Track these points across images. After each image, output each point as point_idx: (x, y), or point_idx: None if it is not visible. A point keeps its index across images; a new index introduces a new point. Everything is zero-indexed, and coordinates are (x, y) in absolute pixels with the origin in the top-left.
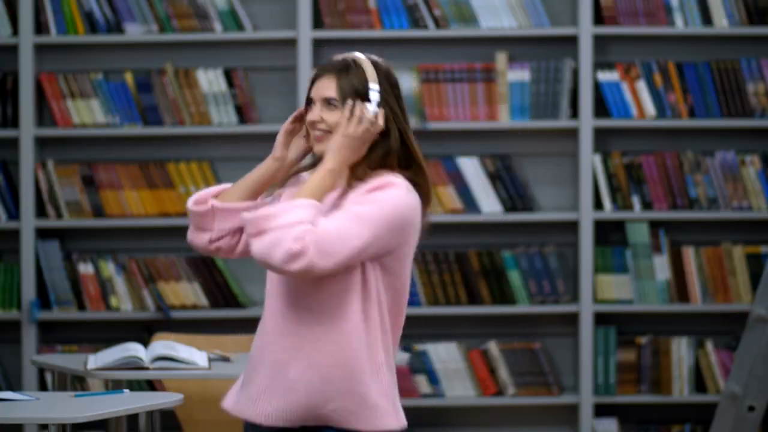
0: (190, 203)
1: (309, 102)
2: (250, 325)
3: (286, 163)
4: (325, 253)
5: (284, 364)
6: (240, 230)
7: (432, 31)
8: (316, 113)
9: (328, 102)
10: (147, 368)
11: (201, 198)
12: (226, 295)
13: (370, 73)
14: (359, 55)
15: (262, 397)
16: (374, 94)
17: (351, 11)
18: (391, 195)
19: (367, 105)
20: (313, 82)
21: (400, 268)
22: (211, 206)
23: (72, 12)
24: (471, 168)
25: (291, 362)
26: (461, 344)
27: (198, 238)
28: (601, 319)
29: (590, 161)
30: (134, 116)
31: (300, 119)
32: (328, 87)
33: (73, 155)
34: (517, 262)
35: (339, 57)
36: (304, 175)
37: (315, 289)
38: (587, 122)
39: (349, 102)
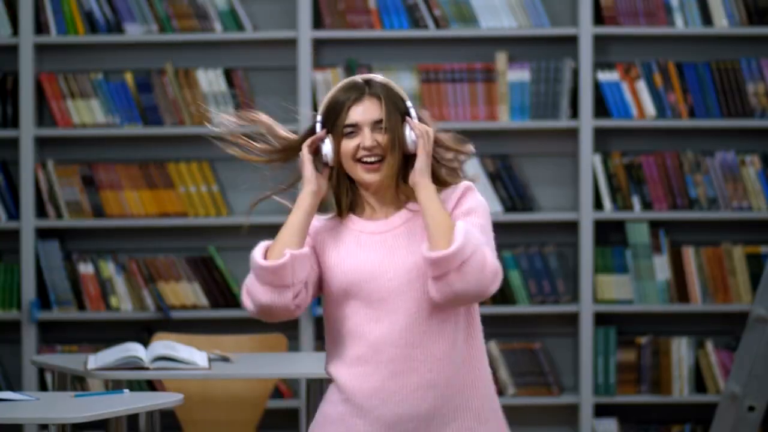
0: (263, 261)
1: (344, 129)
2: (249, 325)
3: (320, 196)
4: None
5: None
6: (306, 281)
7: (432, 31)
8: (369, 138)
9: (378, 124)
10: (147, 368)
11: (270, 253)
12: (226, 295)
13: (400, 90)
14: (378, 76)
15: None
16: (413, 111)
17: (351, 11)
18: (479, 198)
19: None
20: (348, 107)
21: None
22: (291, 256)
23: (72, 12)
24: (471, 168)
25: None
26: None
27: (280, 299)
28: (601, 319)
29: (590, 161)
30: (134, 116)
31: (313, 145)
32: (373, 110)
33: (73, 155)
34: (517, 262)
35: (358, 79)
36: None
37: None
38: (587, 122)
39: (411, 121)
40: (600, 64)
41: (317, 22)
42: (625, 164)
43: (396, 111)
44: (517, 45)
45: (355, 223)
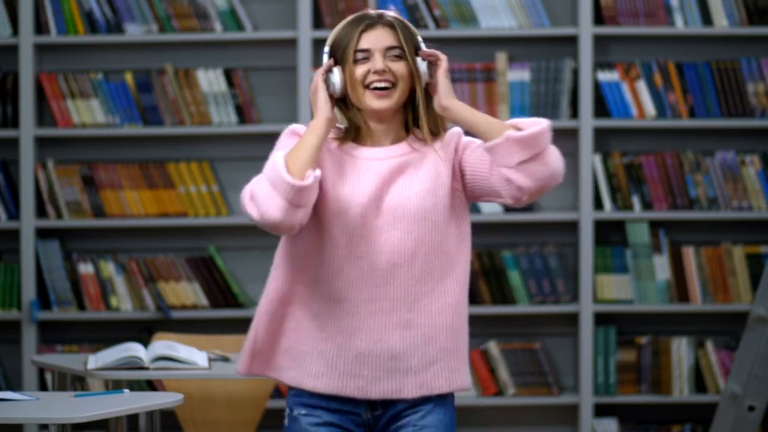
0: (291, 178)
1: (355, 54)
2: (249, 325)
3: (332, 125)
4: None
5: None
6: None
7: (432, 31)
8: (380, 62)
9: (390, 52)
10: (147, 368)
11: (295, 173)
12: (226, 295)
13: (412, 26)
14: (389, 12)
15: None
16: (423, 46)
17: (351, 11)
18: (472, 138)
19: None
20: (359, 33)
21: None
22: (315, 178)
23: (72, 12)
24: None
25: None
26: None
27: (293, 216)
28: (601, 319)
29: (590, 161)
30: (134, 116)
31: (325, 73)
32: (386, 37)
33: (73, 155)
34: (517, 262)
35: (371, 12)
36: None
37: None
38: (587, 122)
39: (423, 53)
40: (600, 64)
41: (317, 22)
42: (625, 164)
43: (410, 41)
44: (517, 45)
45: (354, 149)
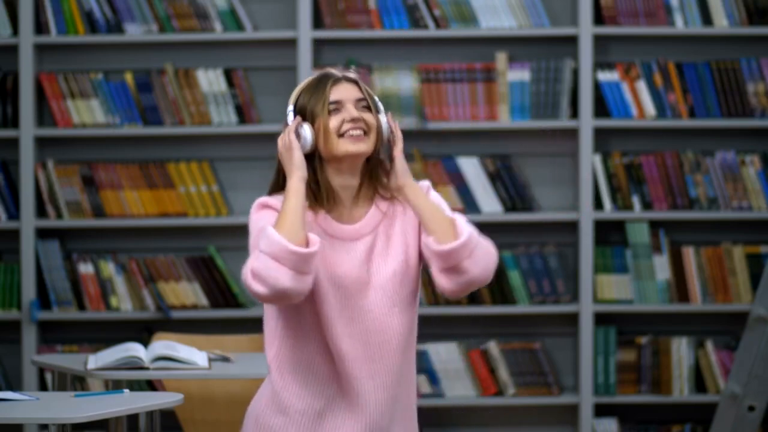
0: (296, 247)
1: (328, 108)
2: (250, 325)
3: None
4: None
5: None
6: None
7: (432, 31)
8: (354, 111)
9: (359, 103)
10: (147, 368)
11: (298, 241)
12: (226, 295)
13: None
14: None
15: None
16: (381, 107)
17: (351, 11)
18: (437, 194)
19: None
20: (329, 87)
21: None
22: (320, 243)
23: (72, 12)
24: (471, 168)
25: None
26: (461, 344)
27: (302, 284)
28: (601, 319)
29: (590, 161)
30: (134, 116)
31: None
32: (353, 90)
33: (73, 155)
34: (517, 262)
35: (332, 70)
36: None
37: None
38: (587, 122)
39: (389, 118)
40: (600, 64)
41: (317, 22)
42: (625, 164)
43: (371, 98)
44: (517, 45)
45: (330, 224)
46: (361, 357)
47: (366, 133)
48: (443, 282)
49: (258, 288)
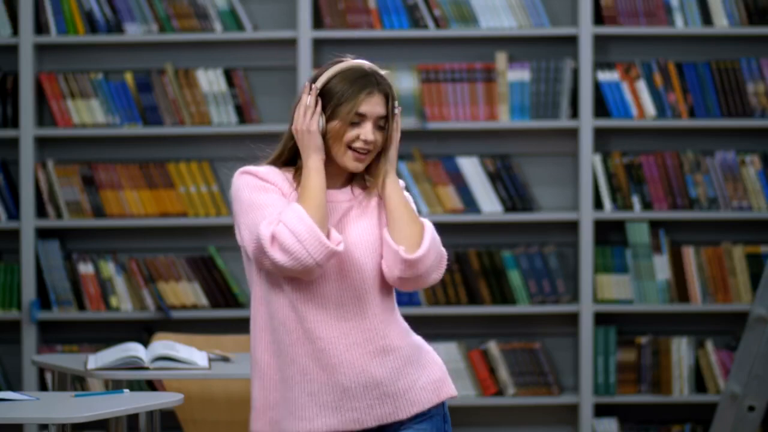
0: (332, 246)
1: (351, 117)
2: (249, 325)
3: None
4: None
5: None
6: None
7: (432, 31)
8: (371, 134)
9: (378, 121)
10: (147, 368)
11: (324, 222)
12: (226, 295)
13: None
14: (374, 66)
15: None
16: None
17: (351, 11)
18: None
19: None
20: (363, 97)
21: None
22: (342, 245)
23: (72, 12)
24: (471, 168)
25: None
26: (461, 344)
27: (325, 266)
28: (601, 319)
29: (590, 161)
30: (134, 116)
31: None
32: (380, 106)
33: (73, 155)
34: (517, 262)
35: (366, 68)
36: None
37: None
38: (587, 122)
39: (396, 115)
40: (600, 64)
41: (317, 22)
42: (625, 164)
43: (393, 107)
44: (517, 45)
45: None
46: (331, 316)
47: (370, 152)
48: (397, 283)
49: (278, 256)
